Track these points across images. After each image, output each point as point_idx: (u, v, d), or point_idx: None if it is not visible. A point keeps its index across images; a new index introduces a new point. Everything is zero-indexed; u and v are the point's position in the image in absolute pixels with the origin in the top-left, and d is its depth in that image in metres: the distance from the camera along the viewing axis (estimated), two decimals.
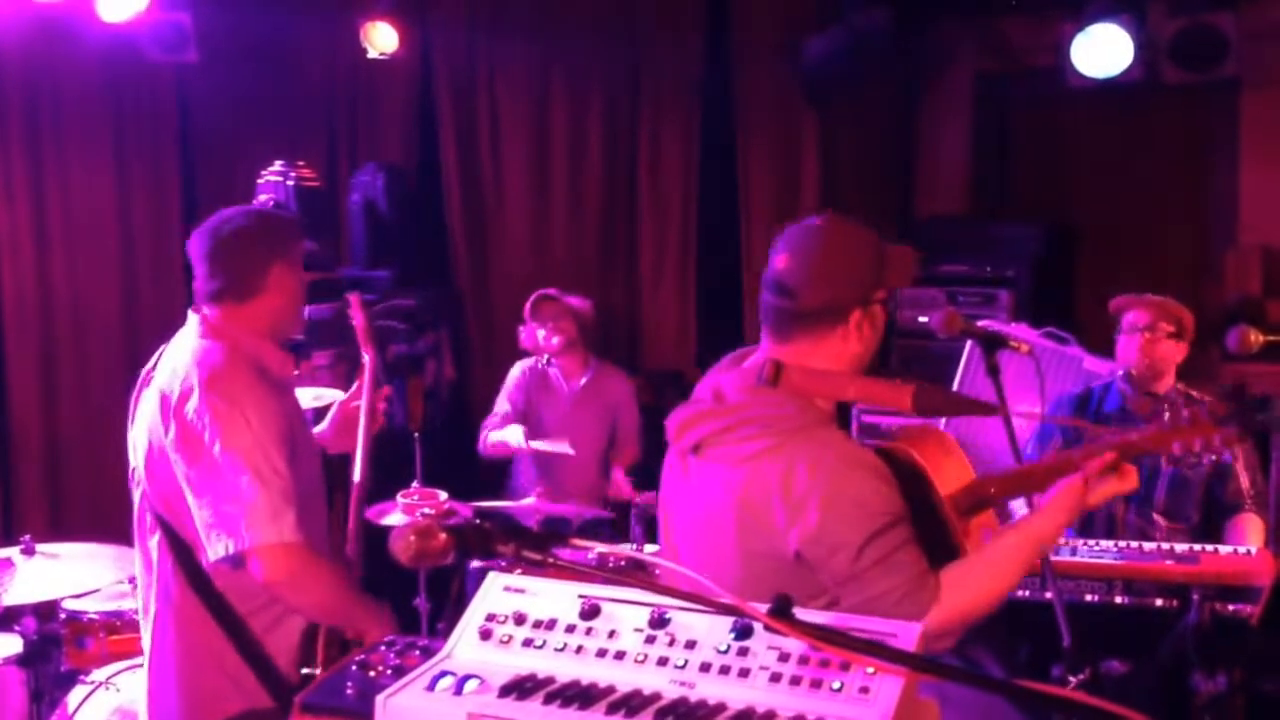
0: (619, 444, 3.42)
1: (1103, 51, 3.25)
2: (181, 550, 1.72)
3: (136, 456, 1.78)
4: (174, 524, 1.72)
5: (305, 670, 1.71)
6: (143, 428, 1.75)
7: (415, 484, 2.84)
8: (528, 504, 3.03)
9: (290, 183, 3.51)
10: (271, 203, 3.48)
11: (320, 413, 2.96)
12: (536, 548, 1.10)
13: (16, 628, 2.41)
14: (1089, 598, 2.29)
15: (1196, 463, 1.45)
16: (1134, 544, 2.39)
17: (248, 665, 1.71)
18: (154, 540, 1.76)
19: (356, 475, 1.93)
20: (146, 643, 1.81)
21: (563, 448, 3.21)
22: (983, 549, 1.47)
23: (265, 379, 1.73)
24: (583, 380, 3.46)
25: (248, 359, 1.73)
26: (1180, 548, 2.35)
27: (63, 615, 2.47)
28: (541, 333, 3.40)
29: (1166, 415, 1.47)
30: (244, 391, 1.67)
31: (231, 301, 1.76)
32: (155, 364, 1.80)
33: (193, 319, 1.79)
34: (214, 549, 1.65)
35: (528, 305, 3.41)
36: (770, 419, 1.44)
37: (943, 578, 1.41)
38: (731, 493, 1.45)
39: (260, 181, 3.57)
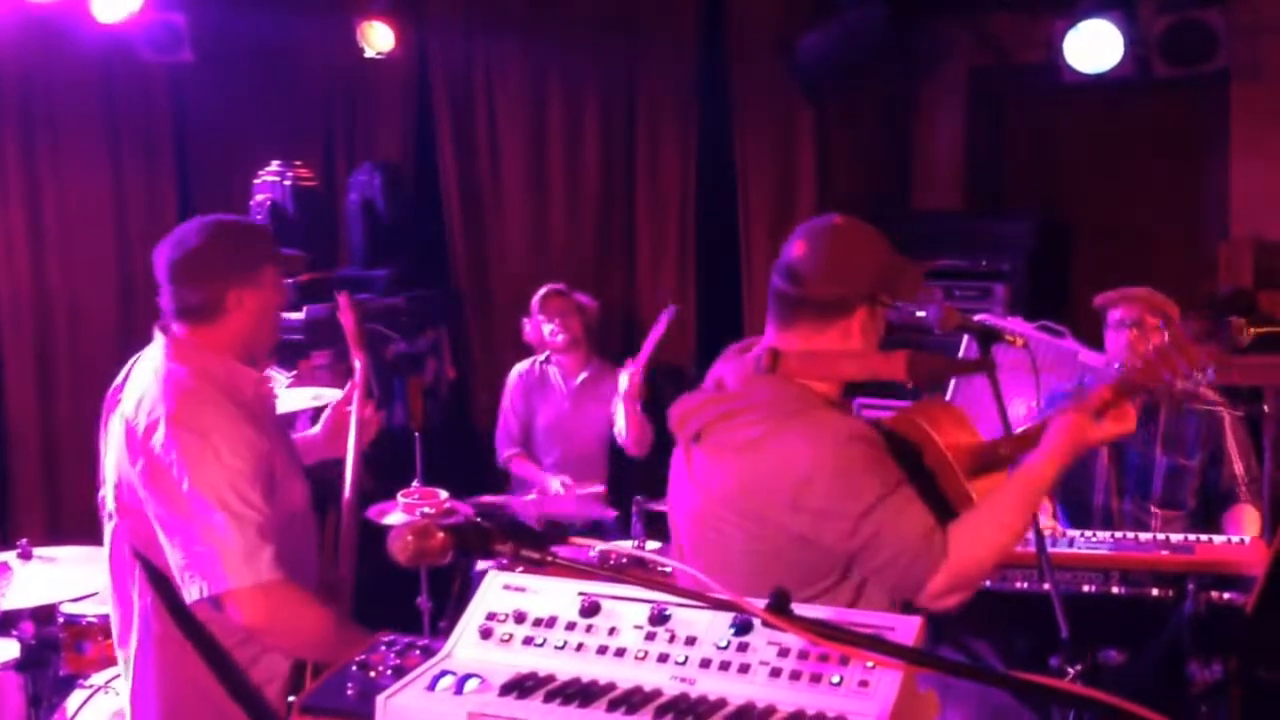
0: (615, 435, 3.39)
1: (1094, 47, 3.27)
2: (160, 583, 1.64)
3: (107, 487, 1.71)
4: (150, 557, 1.65)
5: (293, 699, 1.64)
6: (112, 458, 1.68)
7: (415, 483, 2.85)
8: (530, 500, 3.04)
9: (287, 183, 3.51)
10: (269, 202, 3.47)
11: (318, 413, 2.97)
12: (535, 546, 1.11)
13: (14, 632, 2.40)
14: (1086, 589, 2.30)
15: (1188, 378, 1.45)
16: (1129, 535, 2.41)
17: (233, 698, 1.65)
18: (131, 572, 1.70)
19: (346, 491, 1.85)
20: (127, 677, 1.73)
21: (597, 488, 3.18)
22: (985, 501, 1.49)
23: (238, 405, 1.64)
24: (580, 378, 3.46)
25: (217, 384, 1.64)
26: (1175, 538, 2.37)
27: (61, 619, 2.46)
28: (548, 328, 3.39)
29: (1152, 346, 1.48)
30: (213, 422, 1.59)
31: (194, 322, 1.68)
32: (123, 382, 1.72)
33: (159, 339, 1.70)
34: (189, 591, 1.59)
35: (536, 299, 3.40)
36: (767, 404, 1.46)
37: (950, 533, 1.43)
38: (733, 479, 1.47)
39: (257, 182, 3.57)
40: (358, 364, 1.95)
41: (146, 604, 1.69)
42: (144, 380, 1.67)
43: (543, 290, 3.40)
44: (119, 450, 1.66)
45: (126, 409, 1.66)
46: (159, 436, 1.59)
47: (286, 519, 1.66)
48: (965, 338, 2.95)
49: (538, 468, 3.44)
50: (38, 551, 2.44)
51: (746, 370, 1.51)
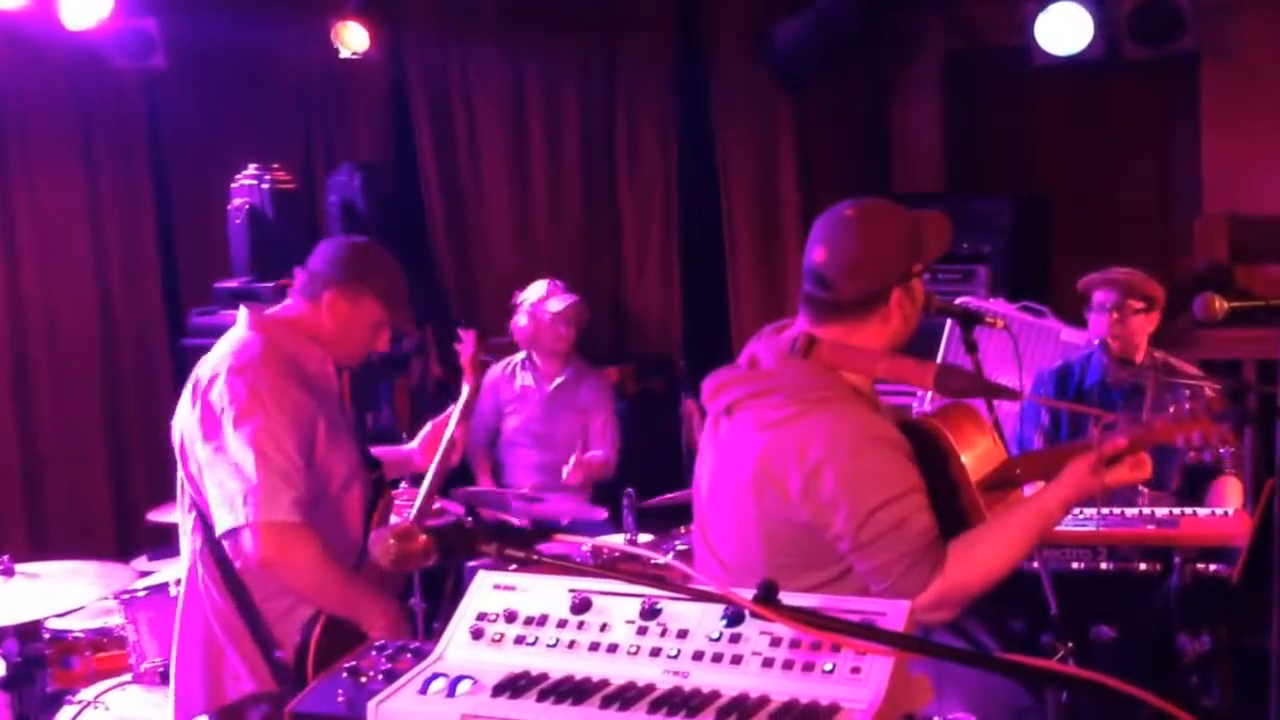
0: (589, 444, 3.37)
1: (1064, 29, 3.30)
2: (209, 531, 1.82)
3: (176, 441, 1.90)
4: (202, 506, 1.82)
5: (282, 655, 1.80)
6: (181, 413, 1.87)
7: (403, 484, 2.83)
8: (521, 493, 3.03)
9: (265, 186, 3.47)
10: (247, 206, 3.43)
11: None
12: (520, 545, 1.10)
13: None
14: (1075, 565, 2.32)
15: (1201, 450, 1.54)
16: (1116, 510, 2.43)
17: (254, 642, 1.81)
18: (190, 522, 1.87)
19: (420, 499, 2.06)
20: (178, 624, 1.92)
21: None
22: (989, 524, 1.49)
23: (297, 375, 1.82)
24: (556, 382, 3.42)
25: (283, 355, 1.83)
26: (1160, 512, 2.39)
27: (46, 635, 2.43)
28: (554, 332, 3.35)
29: (1172, 409, 1.51)
30: (269, 381, 1.77)
31: (304, 297, 1.89)
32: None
33: (243, 311, 1.90)
34: (220, 524, 1.76)
35: (555, 307, 3.34)
36: (796, 388, 1.47)
37: (950, 550, 1.44)
38: (752, 457, 1.48)
39: (234, 186, 3.52)
40: (467, 388, 2.11)
41: (196, 550, 1.88)
42: (220, 347, 1.88)
43: (565, 301, 3.34)
44: (184, 402, 1.85)
45: (200, 370, 1.87)
46: (217, 386, 1.80)
47: (322, 490, 1.80)
48: (949, 321, 2.97)
49: (489, 475, 3.41)
50: (20, 568, 2.39)
51: (781, 351, 1.51)
